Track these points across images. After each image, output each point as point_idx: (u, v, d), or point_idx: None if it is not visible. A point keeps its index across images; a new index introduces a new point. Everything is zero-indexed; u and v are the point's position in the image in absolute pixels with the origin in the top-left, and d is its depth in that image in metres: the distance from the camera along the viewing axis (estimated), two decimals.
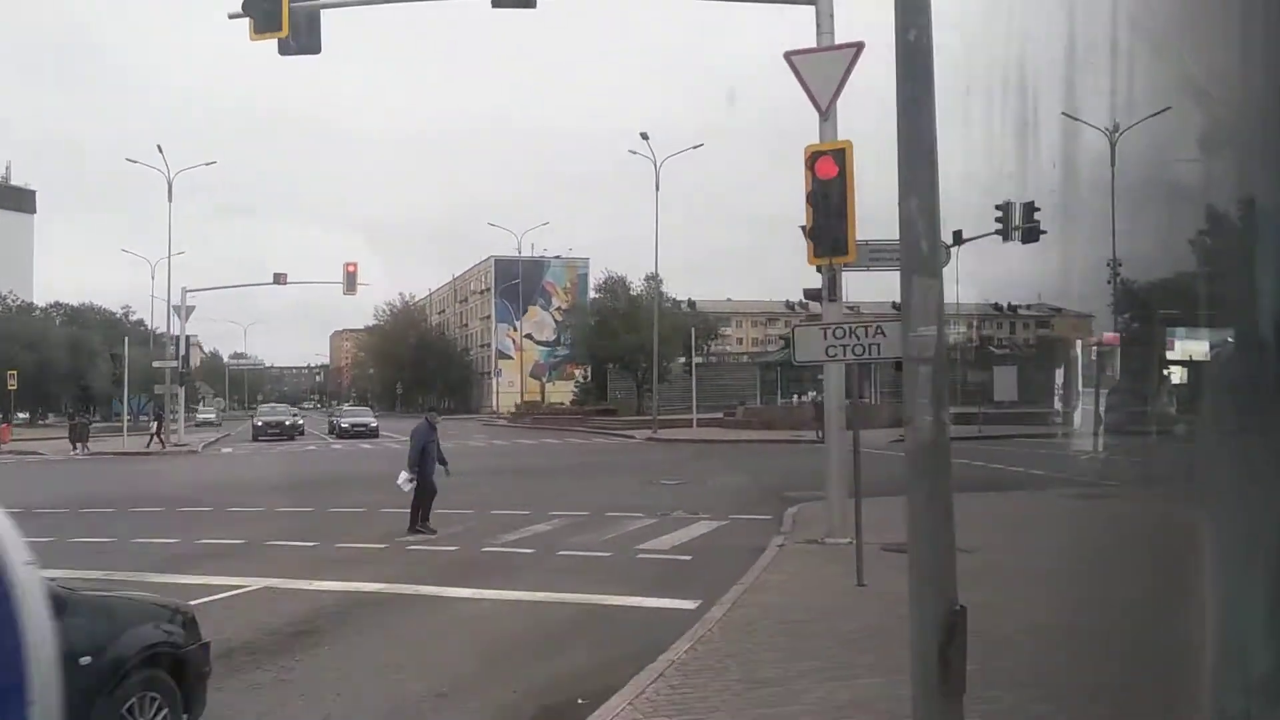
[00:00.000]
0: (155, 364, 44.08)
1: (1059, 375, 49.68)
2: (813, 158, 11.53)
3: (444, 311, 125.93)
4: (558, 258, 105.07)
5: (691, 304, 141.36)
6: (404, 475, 14.54)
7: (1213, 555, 2.67)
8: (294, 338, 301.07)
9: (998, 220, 31.67)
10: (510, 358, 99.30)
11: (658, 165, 44.48)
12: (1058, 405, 38.98)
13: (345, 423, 49.78)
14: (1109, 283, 44.69)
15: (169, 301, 44.23)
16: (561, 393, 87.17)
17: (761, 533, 13.17)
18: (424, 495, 14.50)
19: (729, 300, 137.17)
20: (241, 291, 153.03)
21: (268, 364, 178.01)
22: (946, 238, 43.69)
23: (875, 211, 10.35)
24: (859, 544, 9.48)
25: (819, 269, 11.51)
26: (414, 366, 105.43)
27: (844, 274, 12.53)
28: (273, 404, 64.41)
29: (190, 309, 43.33)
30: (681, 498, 18.49)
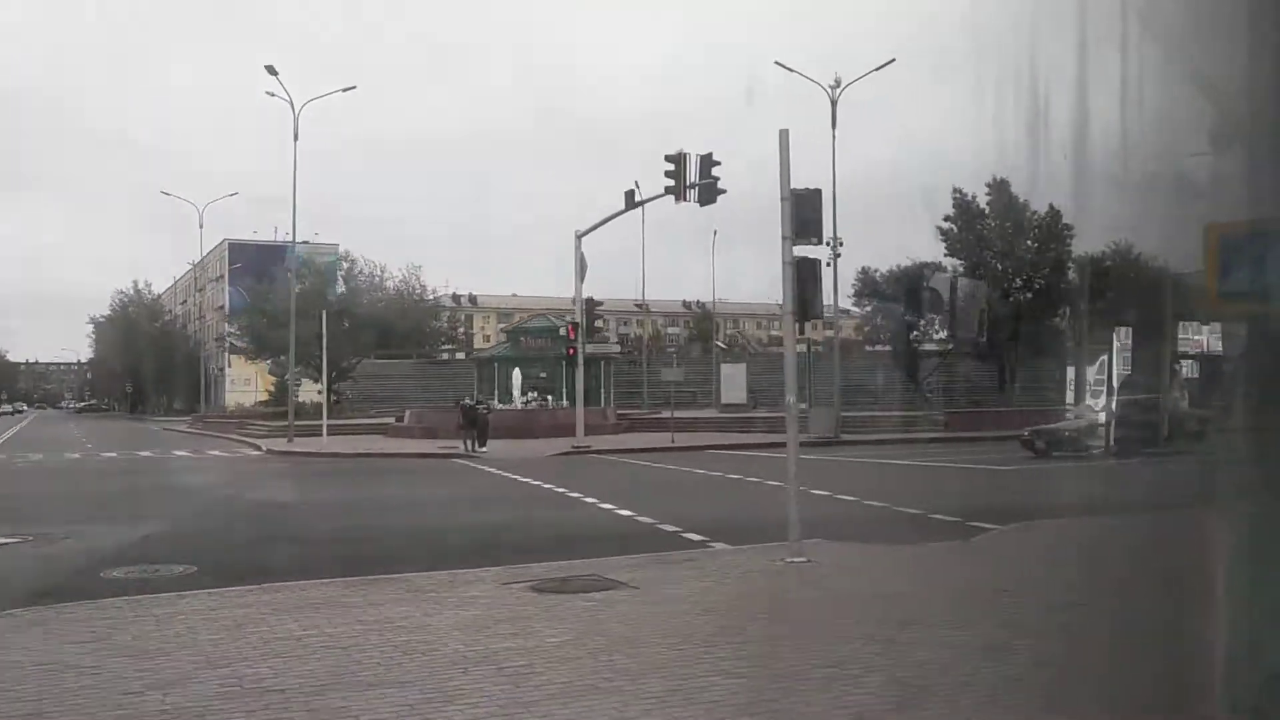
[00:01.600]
0: None
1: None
2: None
3: (185, 301, 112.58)
4: (304, 242, 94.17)
5: (472, 299, 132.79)
6: None
7: (1225, 551, 2.89)
8: (60, 331, 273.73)
9: (669, 175, 24.57)
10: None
11: (296, 110, 36.10)
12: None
13: None
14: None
15: None
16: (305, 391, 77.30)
17: None
18: None
19: (514, 295, 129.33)
20: None
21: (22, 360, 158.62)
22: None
23: None
24: None
25: None
26: (150, 361, 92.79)
27: None
28: None
29: None
30: None
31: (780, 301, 10.60)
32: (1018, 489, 18.23)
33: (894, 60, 32.79)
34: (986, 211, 42.22)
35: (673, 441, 29.34)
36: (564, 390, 46.68)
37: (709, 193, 24.17)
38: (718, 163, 24.12)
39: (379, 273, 59.77)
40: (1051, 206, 41.81)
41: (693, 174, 24.12)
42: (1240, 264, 3.71)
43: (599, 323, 33.40)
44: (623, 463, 24.49)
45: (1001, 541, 11.38)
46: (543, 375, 46.04)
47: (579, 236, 28.31)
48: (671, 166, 24.17)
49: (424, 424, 34.60)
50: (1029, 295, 42.09)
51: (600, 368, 48.20)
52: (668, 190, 24.46)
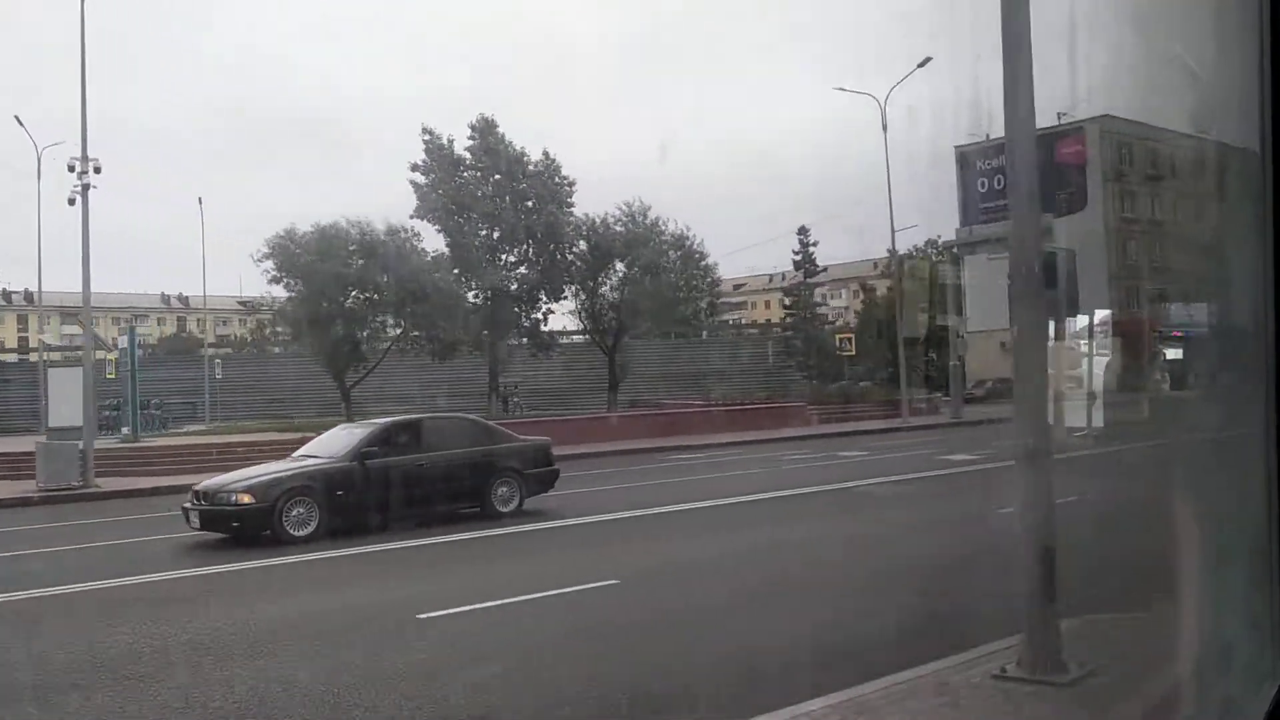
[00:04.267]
0: None
1: None
2: None
3: None
4: None
5: (29, 296, 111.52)
6: None
7: (1194, 543, 2.76)
8: None
9: None
10: None
11: None
12: None
13: None
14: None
15: None
16: None
17: None
18: None
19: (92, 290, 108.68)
20: None
21: None
22: None
23: None
24: None
25: None
26: None
27: None
28: None
29: None
30: None
31: None
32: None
33: None
34: (468, 160, 31.37)
35: None
36: None
37: None
38: None
39: None
40: (547, 154, 31.68)
41: None
42: None
43: None
44: None
45: None
46: None
47: None
48: None
49: None
50: (527, 271, 31.66)
51: None
52: None
